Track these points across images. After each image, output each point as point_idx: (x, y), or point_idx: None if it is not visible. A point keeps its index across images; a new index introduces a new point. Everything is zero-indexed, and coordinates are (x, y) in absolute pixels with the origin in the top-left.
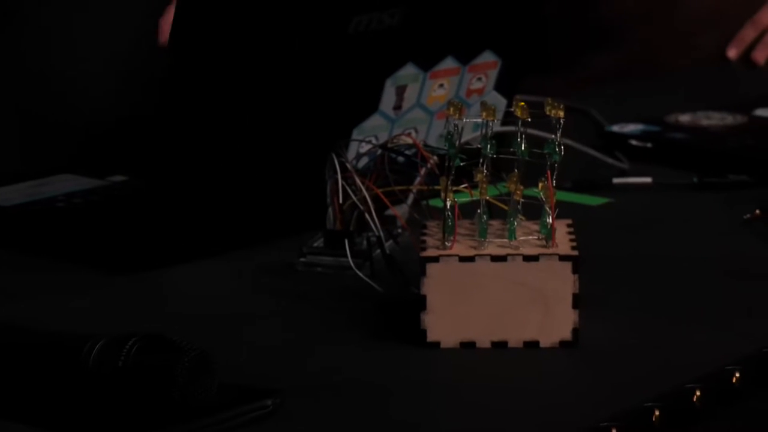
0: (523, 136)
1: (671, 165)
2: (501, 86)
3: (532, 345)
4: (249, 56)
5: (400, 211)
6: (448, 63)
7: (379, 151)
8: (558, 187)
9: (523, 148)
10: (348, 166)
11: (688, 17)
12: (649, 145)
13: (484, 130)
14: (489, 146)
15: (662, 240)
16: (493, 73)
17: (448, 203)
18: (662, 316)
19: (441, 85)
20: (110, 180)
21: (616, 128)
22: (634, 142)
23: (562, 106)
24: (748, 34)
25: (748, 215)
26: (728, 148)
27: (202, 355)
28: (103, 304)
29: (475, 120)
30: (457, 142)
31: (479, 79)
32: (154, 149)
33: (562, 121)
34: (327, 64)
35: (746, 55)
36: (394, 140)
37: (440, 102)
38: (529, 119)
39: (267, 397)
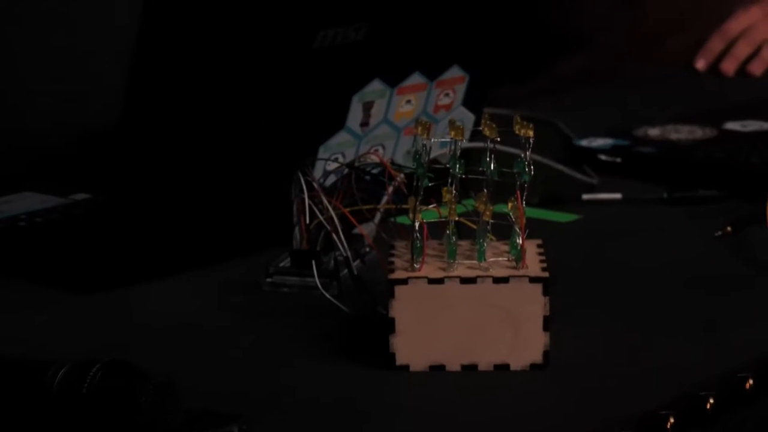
0: (492, 155)
1: (641, 179)
2: (469, 101)
3: (502, 368)
4: (212, 71)
5: (368, 230)
6: (416, 78)
7: (346, 170)
8: (526, 203)
9: (492, 167)
10: (314, 184)
11: (653, 21)
12: (618, 159)
13: (452, 150)
14: (458, 166)
15: (632, 256)
16: (461, 89)
17: (416, 224)
18: (633, 332)
19: (408, 101)
20: (73, 198)
21: (584, 142)
22: (603, 157)
23: (531, 126)
24: (716, 44)
25: (719, 232)
26: (698, 162)
27: (167, 381)
28: (65, 323)
29: (443, 140)
30: (425, 162)
31: (447, 94)
32: (116, 166)
33: (531, 140)
34: (292, 79)
35: (715, 66)
36: (361, 158)
37: (407, 118)
38: (498, 138)
39: (233, 423)
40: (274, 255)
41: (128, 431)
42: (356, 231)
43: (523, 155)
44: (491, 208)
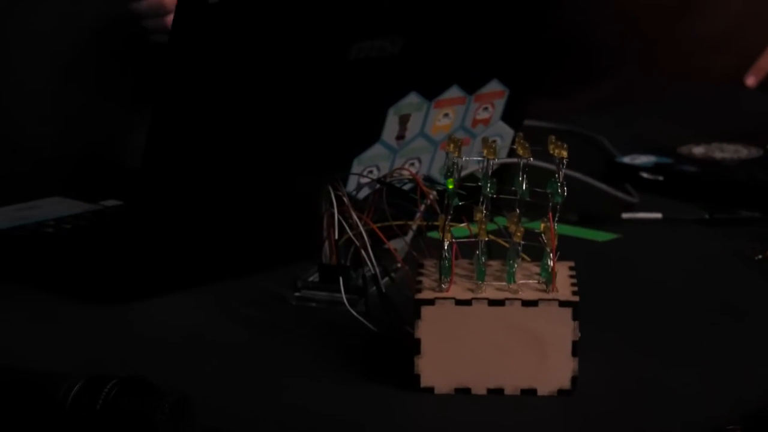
0: (525, 175)
1: (683, 198)
2: (508, 116)
3: (529, 392)
4: (245, 81)
5: (399, 246)
6: (454, 92)
7: (377, 185)
8: (564, 220)
9: (524, 187)
10: (344, 199)
11: (700, 39)
12: (660, 178)
13: (484, 168)
14: (489, 185)
15: (668, 280)
16: (500, 103)
17: (446, 244)
18: (660, 361)
19: (446, 115)
20: (102, 204)
21: (627, 159)
22: (645, 175)
23: (565, 146)
24: (767, 61)
25: (760, 256)
26: (741, 182)
27: (183, 398)
28: (80, 335)
29: (475, 159)
30: (456, 180)
31: (485, 108)
32: (141, 174)
33: (565, 161)
34: (326, 91)
35: (765, 83)
36: (394, 174)
37: (445, 132)
38: (530, 158)
39: None
40: (304, 269)
41: None
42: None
43: (557, 175)
44: (522, 229)
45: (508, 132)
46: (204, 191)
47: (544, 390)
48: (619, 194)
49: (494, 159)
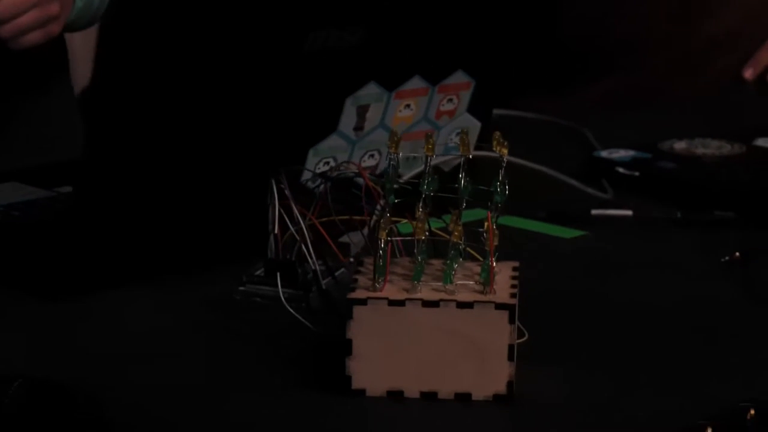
0: (464, 172)
1: (658, 196)
2: (475, 108)
3: (464, 397)
4: (194, 67)
5: (356, 239)
6: (416, 82)
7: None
8: (532, 216)
9: (463, 184)
10: (286, 192)
11: (702, 40)
12: (636, 173)
13: (424, 165)
14: (427, 183)
15: (629, 283)
16: (466, 95)
17: (381, 242)
18: (610, 371)
19: (407, 106)
20: (57, 191)
21: (605, 153)
22: (621, 170)
23: (506, 143)
24: (766, 56)
25: (727, 257)
26: (717, 181)
27: (94, 409)
28: (14, 331)
29: (411, 154)
30: (394, 177)
31: (450, 100)
32: (87, 161)
33: (505, 159)
34: (279, 80)
35: (762, 77)
36: (341, 167)
37: (407, 123)
38: (470, 156)
39: None
40: (252, 264)
41: None
42: (344, 239)
43: (501, 174)
44: (460, 227)
45: (475, 124)
46: (150, 182)
47: (479, 395)
48: (590, 190)
49: (432, 156)
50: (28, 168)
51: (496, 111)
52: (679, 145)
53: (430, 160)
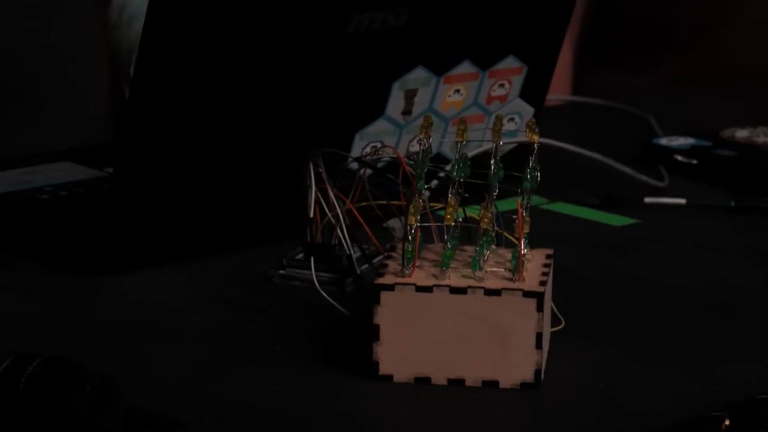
0: (497, 157)
1: (716, 184)
2: (527, 93)
3: (490, 384)
4: (238, 52)
5: (397, 225)
6: (465, 67)
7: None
8: (584, 203)
9: (494, 171)
10: (323, 176)
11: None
12: (694, 161)
13: (458, 152)
14: (457, 169)
15: (673, 267)
16: (518, 80)
17: (411, 228)
18: (641, 357)
19: (457, 91)
20: (108, 171)
21: (664, 141)
22: (679, 158)
23: (537, 130)
24: None
25: None
26: None
27: (107, 382)
28: (48, 307)
29: (443, 140)
30: (426, 162)
31: (501, 85)
32: (120, 144)
33: (536, 146)
34: (322, 65)
35: None
36: (378, 152)
37: (456, 108)
38: (501, 142)
39: (179, 429)
40: (293, 247)
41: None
42: (386, 224)
43: (531, 161)
44: (490, 214)
45: (528, 110)
46: (191, 164)
47: (506, 382)
48: (644, 178)
49: (464, 141)
50: (85, 147)
51: (559, 97)
52: (741, 133)
53: (460, 146)
